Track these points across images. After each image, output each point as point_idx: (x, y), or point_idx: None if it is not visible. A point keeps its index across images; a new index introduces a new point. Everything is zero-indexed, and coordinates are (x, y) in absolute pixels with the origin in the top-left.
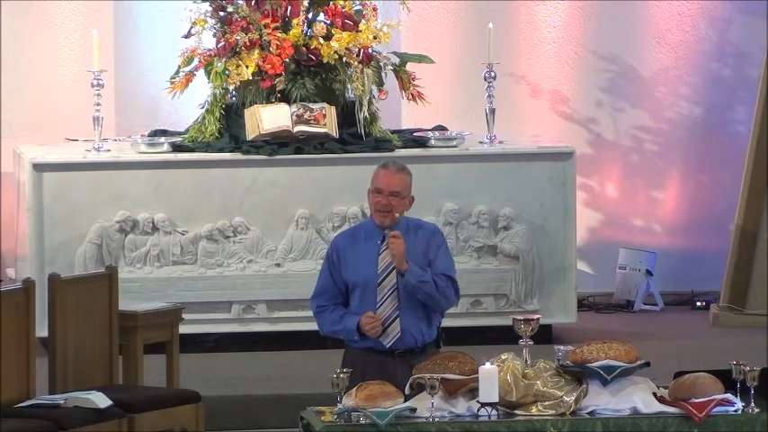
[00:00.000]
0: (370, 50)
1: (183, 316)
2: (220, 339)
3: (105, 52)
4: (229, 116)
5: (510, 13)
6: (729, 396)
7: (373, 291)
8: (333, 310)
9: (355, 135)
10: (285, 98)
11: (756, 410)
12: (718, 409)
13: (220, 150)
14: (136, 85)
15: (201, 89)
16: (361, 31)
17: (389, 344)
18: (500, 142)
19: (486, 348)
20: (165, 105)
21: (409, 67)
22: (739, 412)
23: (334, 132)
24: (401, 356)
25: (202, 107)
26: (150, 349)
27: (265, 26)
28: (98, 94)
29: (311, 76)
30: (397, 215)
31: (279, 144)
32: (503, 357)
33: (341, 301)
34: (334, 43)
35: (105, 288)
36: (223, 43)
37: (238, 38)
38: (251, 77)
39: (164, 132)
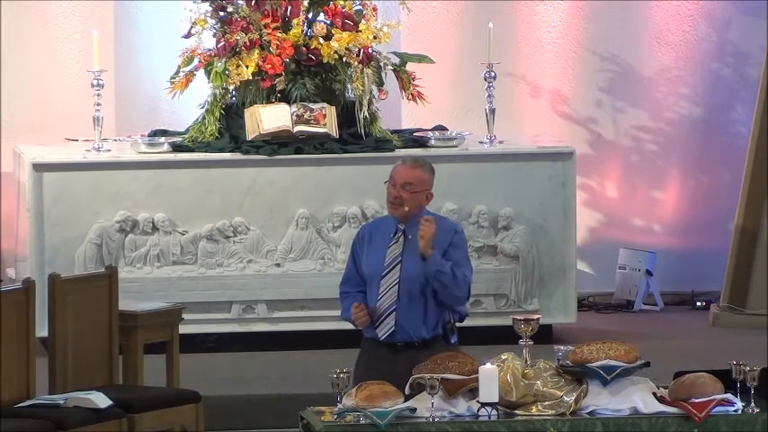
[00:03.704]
0: (370, 50)
1: (183, 316)
2: (220, 339)
3: (105, 52)
4: (229, 116)
5: (510, 13)
6: (729, 396)
7: (377, 283)
8: (354, 297)
9: (355, 135)
10: (285, 98)
11: (756, 410)
12: (718, 409)
13: (220, 150)
14: (136, 85)
15: (201, 89)
16: (361, 31)
17: (383, 336)
18: (500, 142)
19: (486, 348)
20: (165, 105)
21: (409, 67)
22: (739, 412)
23: (335, 132)
24: (402, 350)
25: (202, 107)
26: (150, 349)
27: (265, 26)
28: (98, 94)
29: (311, 76)
30: (406, 208)
31: (279, 144)
32: (503, 357)
33: (364, 289)
34: (334, 43)
35: (105, 288)
36: (223, 43)
37: (238, 38)
38: (251, 77)
39: (164, 132)
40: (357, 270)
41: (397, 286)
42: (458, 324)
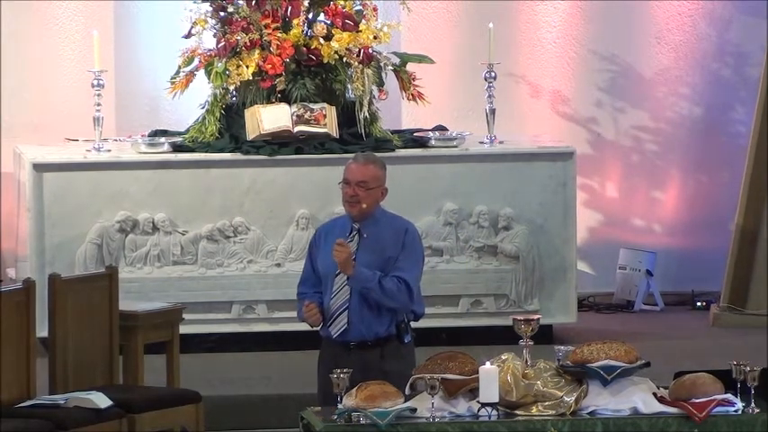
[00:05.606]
0: (370, 50)
1: (183, 316)
2: (220, 339)
3: (105, 52)
4: (229, 116)
5: (510, 13)
6: (729, 396)
7: (332, 281)
8: (311, 298)
9: (355, 135)
10: (285, 98)
11: (756, 410)
12: (718, 409)
13: (220, 150)
14: (136, 85)
15: (202, 89)
16: (361, 31)
17: (336, 335)
18: (500, 142)
19: (486, 348)
20: (165, 105)
21: (409, 67)
22: (739, 412)
23: (335, 132)
24: (355, 348)
25: (202, 107)
26: (150, 349)
27: (266, 26)
28: (98, 94)
29: (311, 76)
30: (364, 206)
31: (279, 144)
32: (503, 357)
33: (321, 290)
34: (334, 43)
35: (105, 288)
36: (223, 43)
37: (239, 38)
38: (251, 77)
39: (164, 132)
40: (314, 270)
41: (349, 285)
42: (413, 323)
